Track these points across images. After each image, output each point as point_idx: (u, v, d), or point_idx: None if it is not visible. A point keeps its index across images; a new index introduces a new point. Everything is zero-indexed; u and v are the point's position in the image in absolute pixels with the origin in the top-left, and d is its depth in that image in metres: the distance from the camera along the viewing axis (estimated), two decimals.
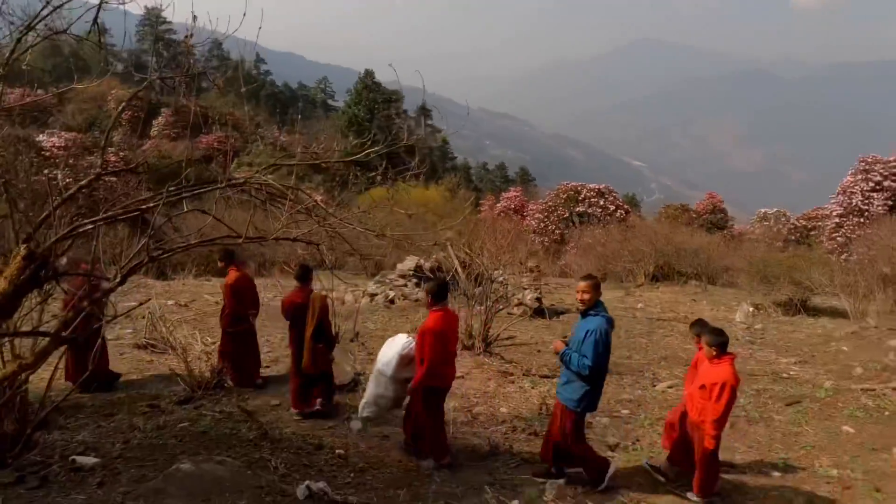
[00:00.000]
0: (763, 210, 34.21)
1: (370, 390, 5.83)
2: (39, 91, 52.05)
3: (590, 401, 5.08)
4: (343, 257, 28.46)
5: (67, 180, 25.58)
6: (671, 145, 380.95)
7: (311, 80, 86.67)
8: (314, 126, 62.77)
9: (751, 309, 15.47)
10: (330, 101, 79.77)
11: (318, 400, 6.92)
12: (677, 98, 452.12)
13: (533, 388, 8.22)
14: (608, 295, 19.06)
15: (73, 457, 5.02)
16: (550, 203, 35.44)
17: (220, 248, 8.08)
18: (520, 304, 14.02)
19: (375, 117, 57.98)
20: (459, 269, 12.70)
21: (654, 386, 8.70)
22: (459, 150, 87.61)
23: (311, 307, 6.48)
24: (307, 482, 4.54)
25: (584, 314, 5.05)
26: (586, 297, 4.99)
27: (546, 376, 8.73)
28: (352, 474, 5.19)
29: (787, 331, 13.14)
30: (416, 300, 15.55)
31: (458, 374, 8.50)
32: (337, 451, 5.66)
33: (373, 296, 16.40)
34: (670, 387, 8.62)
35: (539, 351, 10.77)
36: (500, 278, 13.60)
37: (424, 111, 68.64)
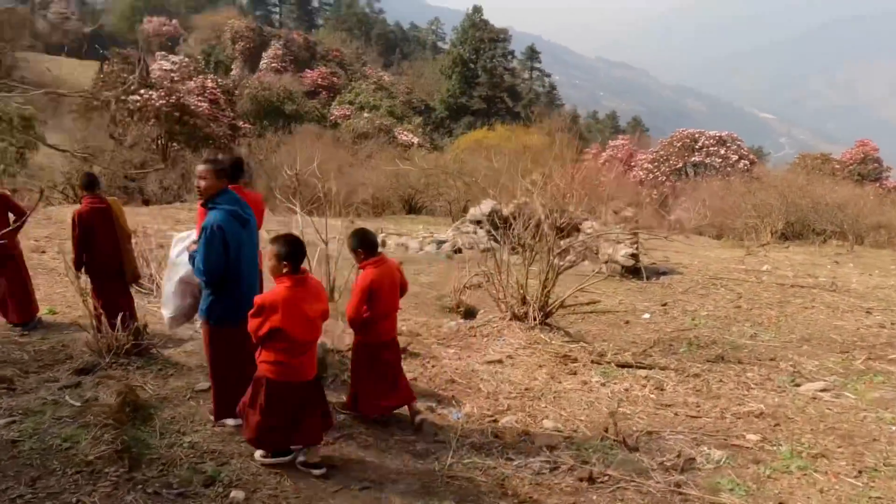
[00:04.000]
0: None
1: (177, 301, 4.79)
2: (174, 21, 55.72)
3: (221, 312, 4.08)
4: (431, 202, 26.56)
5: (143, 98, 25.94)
6: (810, 94, 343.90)
7: (426, 21, 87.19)
8: (421, 68, 62.06)
9: None
10: (440, 44, 79.94)
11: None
12: (820, 41, 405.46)
13: (604, 384, 5.48)
14: (724, 254, 15.71)
15: None
16: (662, 152, 31.65)
17: None
18: (609, 260, 11.18)
19: (481, 58, 54.86)
20: (542, 216, 10.27)
21: (797, 385, 5.77)
22: (570, 100, 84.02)
23: (116, 212, 5.93)
24: None
25: (206, 207, 4.17)
26: (202, 183, 4.09)
27: (628, 365, 5.94)
28: None
29: None
30: (485, 250, 13.30)
31: (496, 358, 6.05)
32: (233, 492, 3.28)
33: (440, 243, 14.47)
34: (823, 390, 5.65)
35: (627, 322, 8.08)
36: (589, 229, 11.23)
37: (533, 52, 64.66)
